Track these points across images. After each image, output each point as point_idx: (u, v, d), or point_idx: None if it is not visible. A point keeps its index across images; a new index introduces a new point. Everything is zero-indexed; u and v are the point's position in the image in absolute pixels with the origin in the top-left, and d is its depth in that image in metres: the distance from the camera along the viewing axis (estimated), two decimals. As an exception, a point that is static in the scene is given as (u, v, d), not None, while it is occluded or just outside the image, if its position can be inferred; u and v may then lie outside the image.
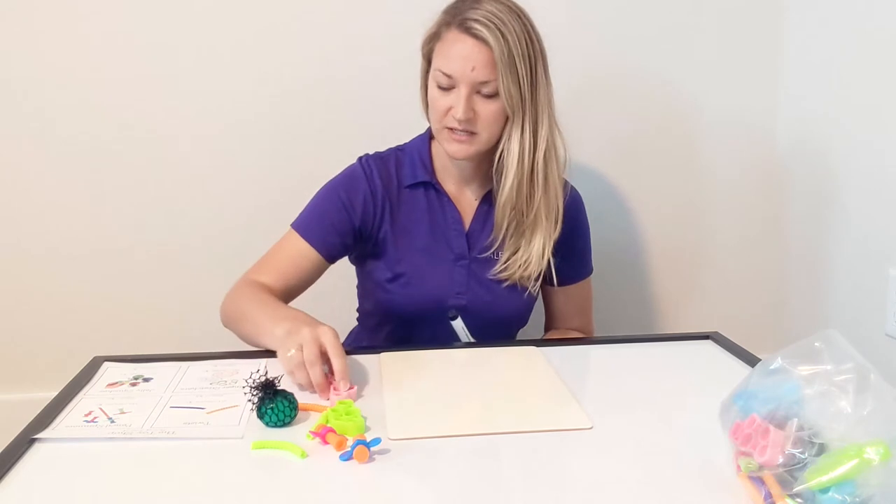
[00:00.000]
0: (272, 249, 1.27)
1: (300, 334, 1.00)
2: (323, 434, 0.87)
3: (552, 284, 1.33)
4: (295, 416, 0.92)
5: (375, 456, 0.84)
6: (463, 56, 1.15)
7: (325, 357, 0.99)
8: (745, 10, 1.73)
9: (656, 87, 1.75)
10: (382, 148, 1.34)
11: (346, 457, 0.83)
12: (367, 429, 0.90)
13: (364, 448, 0.82)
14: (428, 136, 1.32)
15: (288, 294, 1.23)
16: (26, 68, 1.59)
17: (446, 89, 1.18)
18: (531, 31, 1.18)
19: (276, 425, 0.91)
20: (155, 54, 1.61)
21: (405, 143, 1.34)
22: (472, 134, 1.19)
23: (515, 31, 1.14)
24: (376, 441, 0.84)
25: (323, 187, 1.30)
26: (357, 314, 1.43)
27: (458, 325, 1.25)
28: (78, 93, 1.61)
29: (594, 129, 1.73)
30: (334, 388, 0.98)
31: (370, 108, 1.66)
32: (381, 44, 1.64)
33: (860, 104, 1.54)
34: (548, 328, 1.45)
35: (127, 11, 1.59)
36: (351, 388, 0.99)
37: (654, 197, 1.81)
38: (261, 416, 0.91)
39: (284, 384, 0.95)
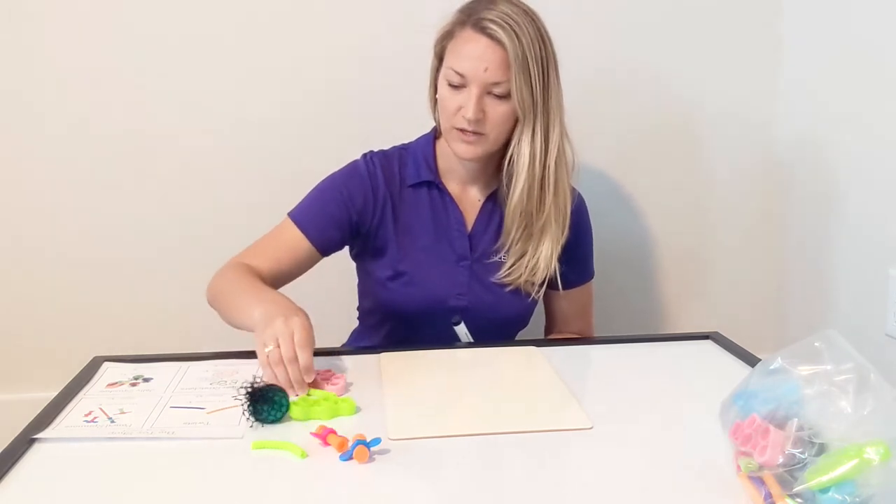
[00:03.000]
0: (267, 235, 1.26)
1: (275, 326, 0.99)
2: (324, 435, 0.87)
3: (556, 289, 1.32)
4: (289, 403, 0.93)
5: (375, 456, 0.84)
6: (476, 55, 1.15)
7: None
8: (746, 9, 1.73)
9: (655, 88, 1.75)
10: (387, 146, 1.33)
11: (346, 457, 0.83)
12: (335, 414, 0.93)
13: (364, 448, 0.82)
14: (433, 136, 1.31)
15: (277, 280, 1.22)
16: (26, 68, 1.58)
17: (457, 88, 1.17)
18: (544, 34, 1.17)
19: (276, 420, 0.91)
20: (157, 52, 1.61)
21: (409, 143, 1.33)
22: (480, 135, 1.18)
23: (529, 33, 1.14)
24: (376, 441, 0.84)
25: (324, 180, 1.29)
26: (357, 313, 1.43)
27: (462, 330, 1.25)
28: (76, 92, 1.60)
29: (593, 130, 1.72)
30: (324, 380, 1.02)
31: (374, 107, 1.66)
32: (386, 42, 1.64)
33: (860, 104, 1.53)
34: (548, 331, 1.45)
35: (130, 9, 1.58)
36: (339, 377, 1.02)
37: (654, 198, 1.81)
38: (259, 417, 0.91)
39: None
